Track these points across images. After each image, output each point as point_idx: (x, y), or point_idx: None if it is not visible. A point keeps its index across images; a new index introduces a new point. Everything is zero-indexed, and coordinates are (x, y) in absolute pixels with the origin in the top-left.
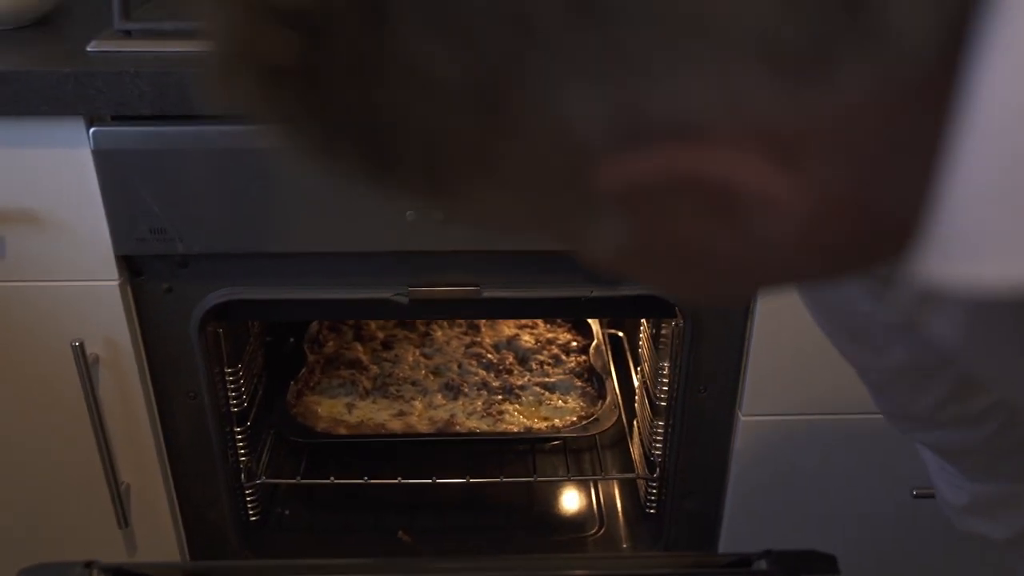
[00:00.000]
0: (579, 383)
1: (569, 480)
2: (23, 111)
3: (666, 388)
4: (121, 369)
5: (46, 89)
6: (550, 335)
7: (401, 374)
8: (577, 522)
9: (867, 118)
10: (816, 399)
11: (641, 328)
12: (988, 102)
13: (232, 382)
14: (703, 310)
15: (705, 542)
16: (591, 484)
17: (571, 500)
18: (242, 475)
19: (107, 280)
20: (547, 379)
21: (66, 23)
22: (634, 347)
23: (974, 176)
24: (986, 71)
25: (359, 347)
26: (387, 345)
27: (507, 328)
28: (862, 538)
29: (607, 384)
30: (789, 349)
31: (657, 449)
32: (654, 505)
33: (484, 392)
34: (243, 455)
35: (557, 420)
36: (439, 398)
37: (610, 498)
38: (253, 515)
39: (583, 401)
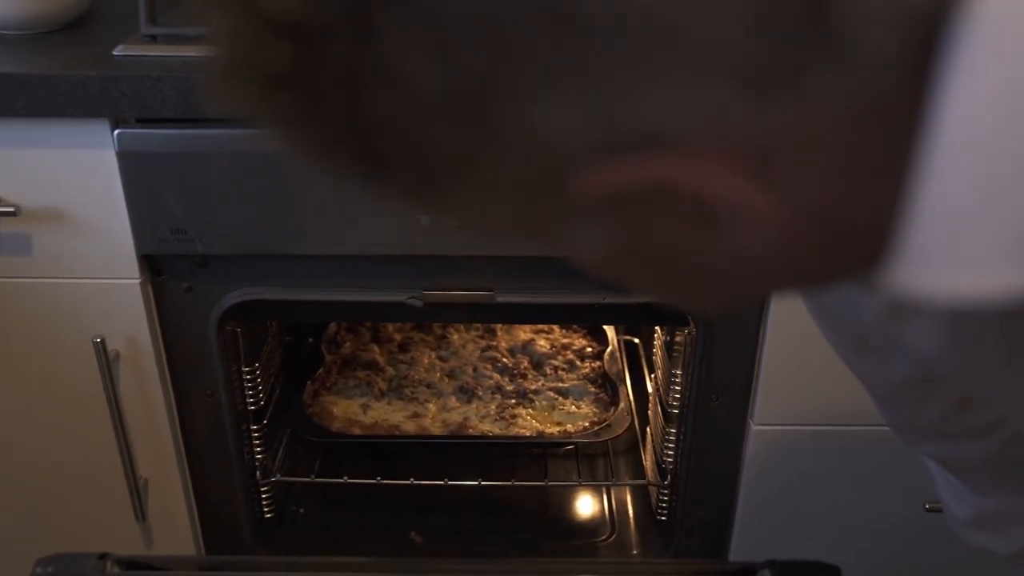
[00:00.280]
0: (592, 389)
1: (581, 485)
2: (50, 113)
3: (678, 396)
4: (141, 366)
5: (73, 92)
6: (565, 340)
7: (416, 376)
8: (589, 527)
9: (838, 132)
10: (828, 410)
11: (656, 335)
12: (956, 118)
13: (249, 380)
14: (716, 319)
15: (716, 550)
16: (604, 490)
17: (583, 505)
18: (257, 472)
19: (129, 278)
20: (561, 384)
21: (97, 27)
22: (649, 354)
23: (943, 189)
24: (954, 88)
25: (376, 349)
26: (404, 347)
27: (523, 333)
28: (873, 549)
29: (620, 391)
30: (801, 359)
31: (669, 456)
32: (665, 512)
33: (498, 396)
34: (259, 453)
35: (569, 425)
36: (453, 401)
37: (622, 504)
38: (268, 512)
39: (596, 407)
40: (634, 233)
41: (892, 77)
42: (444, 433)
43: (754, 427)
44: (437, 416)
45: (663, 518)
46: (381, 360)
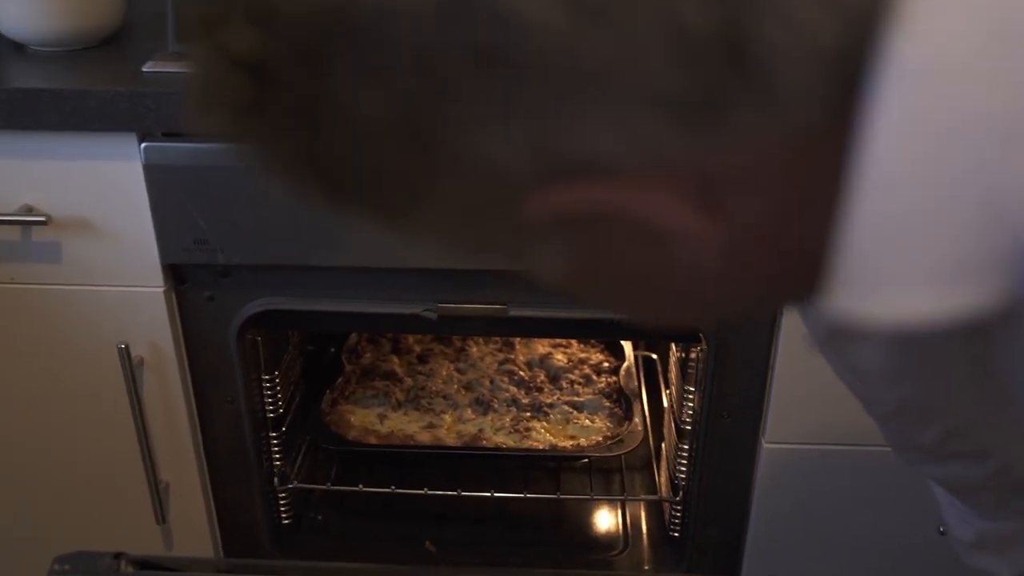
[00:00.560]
0: (607, 404)
1: (596, 499)
2: (81, 127)
3: (691, 412)
4: (163, 372)
5: (102, 107)
6: (583, 355)
7: (434, 387)
8: (602, 541)
9: (770, 162)
10: (840, 429)
11: (671, 352)
12: (879, 150)
13: (269, 388)
14: (728, 336)
15: (728, 568)
16: (618, 505)
17: (597, 519)
18: (275, 479)
19: (153, 287)
20: (576, 398)
21: (129, 43)
22: (666, 370)
23: (870, 217)
24: (876, 121)
25: (395, 359)
26: (423, 359)
27: (541, 346)
28: (884, 571)
29: (634, 406)
30: (813, 378)
31: (681, 473)
32: (678, 528)
33: (513, 408)
34: (277, 459)
35: (583, 439)
36: (469, 412)
37: (636, 520)
38: (286, 518)
39: (610, 421)
40: (588, 252)
41: (817, 111)
42: (458, 444)
43: (765, 445)
44: (452, 427)
45: (675, 534)
46: (400, 371)
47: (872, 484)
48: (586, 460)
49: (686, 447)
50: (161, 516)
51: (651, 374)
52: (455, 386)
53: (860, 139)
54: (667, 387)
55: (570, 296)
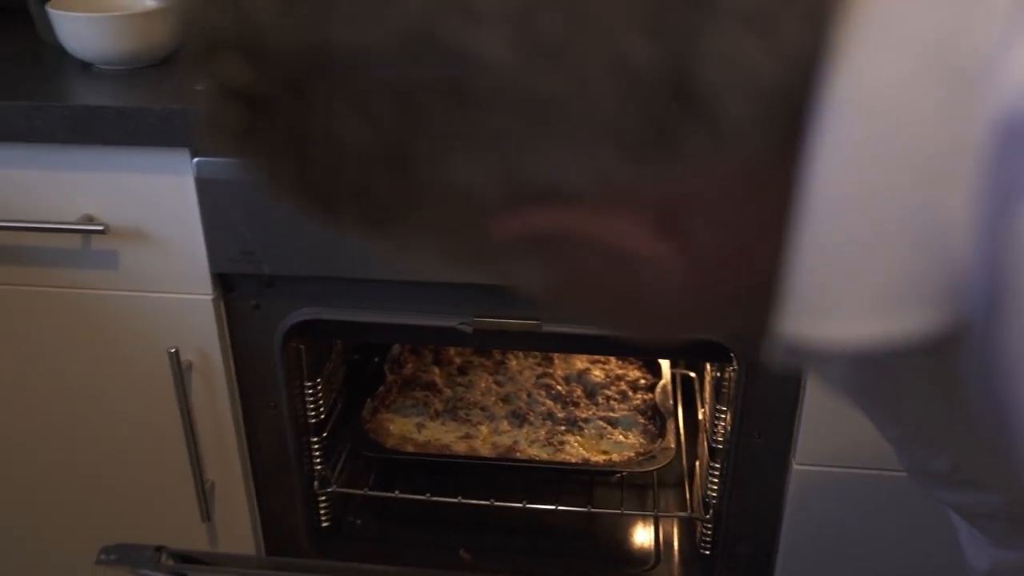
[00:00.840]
0: (642, 420)
1: (626, 514)
2: (139, 142)
3: (723, 432)
4: (211, 376)
5: (159, 124)
6: (620, 371)
7: (472, 399)
8: (635, 556)
9: (722, 191)
10: (871, 452)
11: (706, 370)
12: (821, 180)
13: (311, 395)
14: (759, 357)
15: None
16: (651, 521)
17: (630, 534)
18: (315, 483)
19: (202, 294)
20: (611, 414)
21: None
22: (703, 389)
23: (815, 245)
24: (819, 152)
25: (436, 370)
26: (463, 370)
27: (579, 362)
28: None
29: (668, 424)
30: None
31: (712, 491)
32: (708, 546)
33: (548, 422)
34: (318, 464)
35: (615, 454)
36: (505, 424)
37: (668, 536)
38: (325, 521)
39: (643, 438)
40: (560, 271)
41: (762, 143)
42: (492, 455)
43: (796, 466)
44: (488, 438)
45: (706, 552)
46: (440, 382)
47: (902, 508)
48: (619, 475)
49: (717, 466)
50: (206, 514)
51: (689, 392)
52: (492, 398)
53: (806, 169)
54: (702, 405)
55: (553, 310)
